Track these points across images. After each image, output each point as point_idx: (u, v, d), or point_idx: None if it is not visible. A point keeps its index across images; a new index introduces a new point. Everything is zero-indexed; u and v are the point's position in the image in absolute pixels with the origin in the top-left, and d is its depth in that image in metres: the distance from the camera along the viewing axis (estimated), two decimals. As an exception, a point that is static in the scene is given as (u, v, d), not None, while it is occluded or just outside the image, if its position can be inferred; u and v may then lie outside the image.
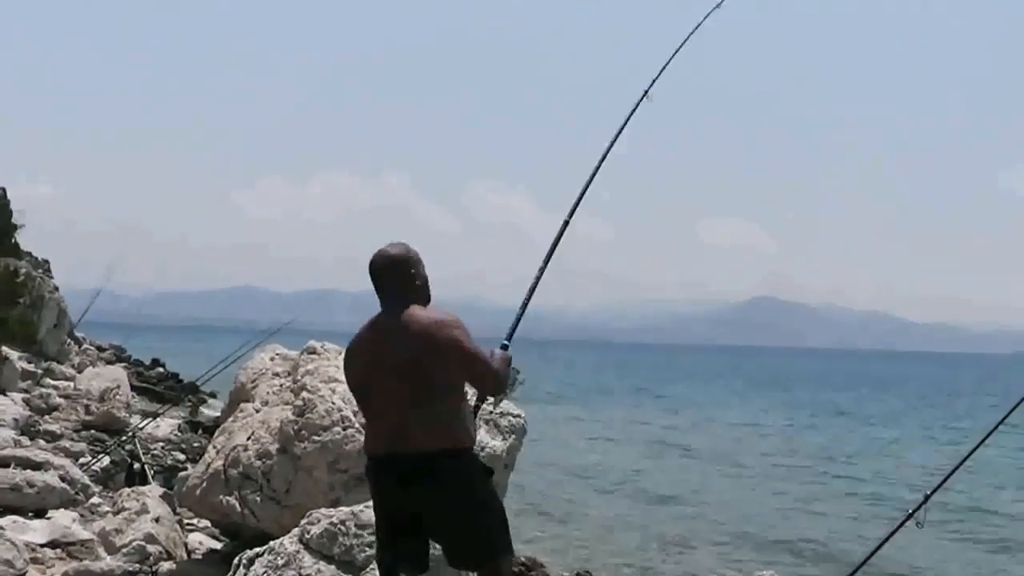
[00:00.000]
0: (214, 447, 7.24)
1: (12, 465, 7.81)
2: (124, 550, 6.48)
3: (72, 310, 21.15)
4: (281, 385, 7.34)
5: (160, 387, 21.59)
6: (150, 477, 9.62)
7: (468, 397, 3.94)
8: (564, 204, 4.87)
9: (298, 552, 5.46)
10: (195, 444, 12.15)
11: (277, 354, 7.79)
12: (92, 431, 11.78)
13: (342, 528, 5.46)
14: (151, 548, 6.54)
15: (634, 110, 5.14)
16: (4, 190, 20.84)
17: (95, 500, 8.08)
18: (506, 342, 4.12)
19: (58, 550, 6.50)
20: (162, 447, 11.69)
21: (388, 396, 3.71)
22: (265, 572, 5.45)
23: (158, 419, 12.20)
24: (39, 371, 15.67)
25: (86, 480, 8.33)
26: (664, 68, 5.32)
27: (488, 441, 6.45)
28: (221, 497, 6.87)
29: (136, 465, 9.94)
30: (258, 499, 6.71)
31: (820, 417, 33.99)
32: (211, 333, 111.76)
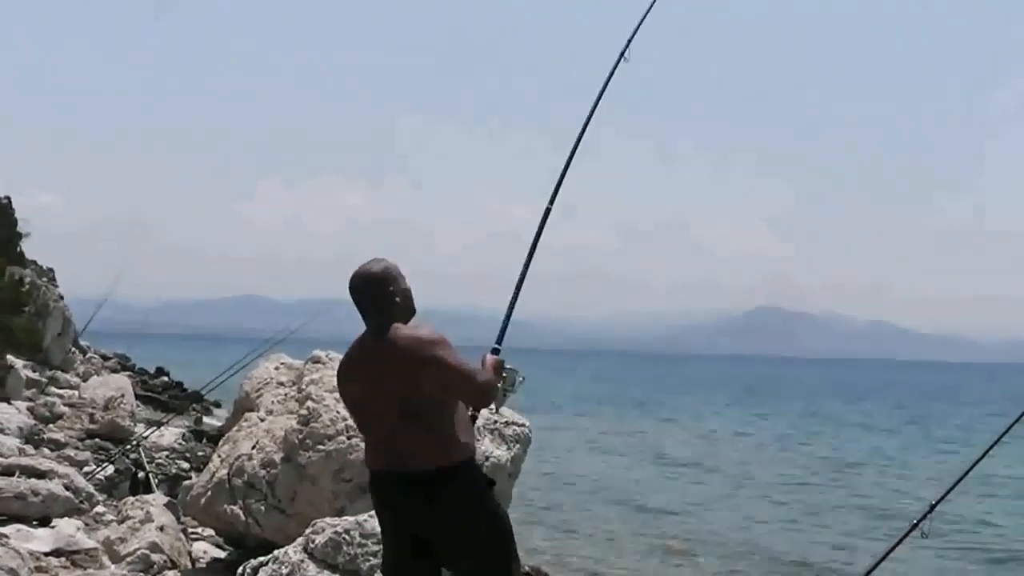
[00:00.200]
0: (218, 456, 7.26)
1: (17, 474, 7.82)
2: (128, 559, 6.49)
3: (76, 318, 21.17)
4: (286, 394, 7.36)
5: (165, 396, 21.61)
6: (154, 486, 9.63)
7: (464, 406, 3.89)
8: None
9: (302, 561, 5.47)
10: (199, 453, 12.15)
11: (282, 363, 7.81)
12: (96, 440, 11.78)
13: (347, 537, 5.47)
14: (155, 557, 6.54)
15: (612, 72, 4.93)
16: (8, 199, 20.88)
17: (99, 509, 8.08)
18: (497, 346, 4.08)
19: (62, 559, 6.50)
20: (166, 456, 11.69)
21: (380, 415, 3.70)
22: (270, 581, 5.46)
23: (162, 428, 12.20)
24: (44, 380, 15.68)
25: (90, 489, 8.34)
26: (638, 27, 5.07)
27: (493, 450, 6.46)
28: (225, 506, 6.89)
29: (140, 474, 9.95)
30: (262, 508, 6.73)
31: (821, 427, 33.92)
32: (216, 342, 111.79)
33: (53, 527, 7.09)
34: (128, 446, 10.78)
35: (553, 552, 10.91)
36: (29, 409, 12.53)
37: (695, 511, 14.99)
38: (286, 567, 5.47)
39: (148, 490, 9.24)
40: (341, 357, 3.97)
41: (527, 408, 6.45)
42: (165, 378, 28.86)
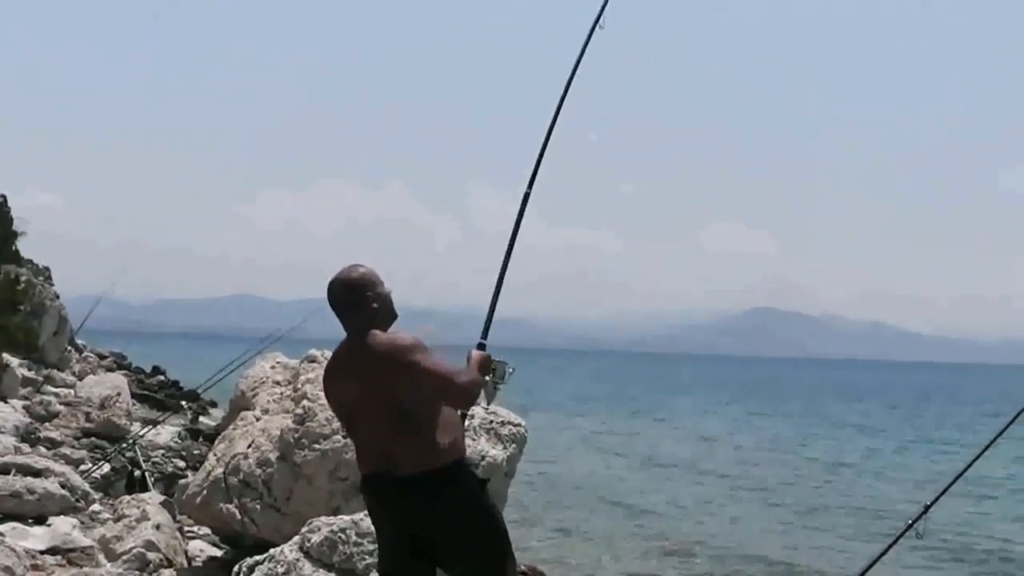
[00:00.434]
0: (214, 455, 7.26)
1: (12, 472, 7.81)
2: (124, 557, 6.49)
3: (73, 317, 21.17)
4: (282, 393, 7.36)
5: (161, 394, 21.59)
6: (150, 484, 9.63)
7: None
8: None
9: (298, 560, 5.48)
10: (195, 452, 12.15)
11: (278, 362, 7.81)
12: (92, 438, 11.77)
13: (342, 536, 5.48)
14: (151, 555, 6.54)
15: (587, 41, 4.73)
16: (4, 197, 20.87)
17: (95, 507, 8.08)
18: (482, 341, 4.03)
19: (58, 557, 6.50)
20: (162, 454, 11.69)
21: (364, 421, 3.71)
22: (265, 580, 5.46)
23: (158, 426, 12.20)
24: (40, 378, 15.67)
25: (86, 487, 8.33)
26: None
27: (488, 450, 6.46)
28: (221, 505, 6.89)
29: (136, 472, 9.95)
30: (258, 507, 6.73)
31: (817, 428, 33.94)
32: (212, 341, 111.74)
33: (49, 525, 7.09)
34: (124, 444, 10.78)
35: (549, 552, 10.92)
36: (25, 407, 12.52)
37: (691, 512, 15.00)
38: (282, 566, 5.47)
39: (144, 488, 9.24)
40: (332, 360, 3.95)
41: (524, 407, 6.45)
42: (161, 377, 28.84)
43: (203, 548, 7.39)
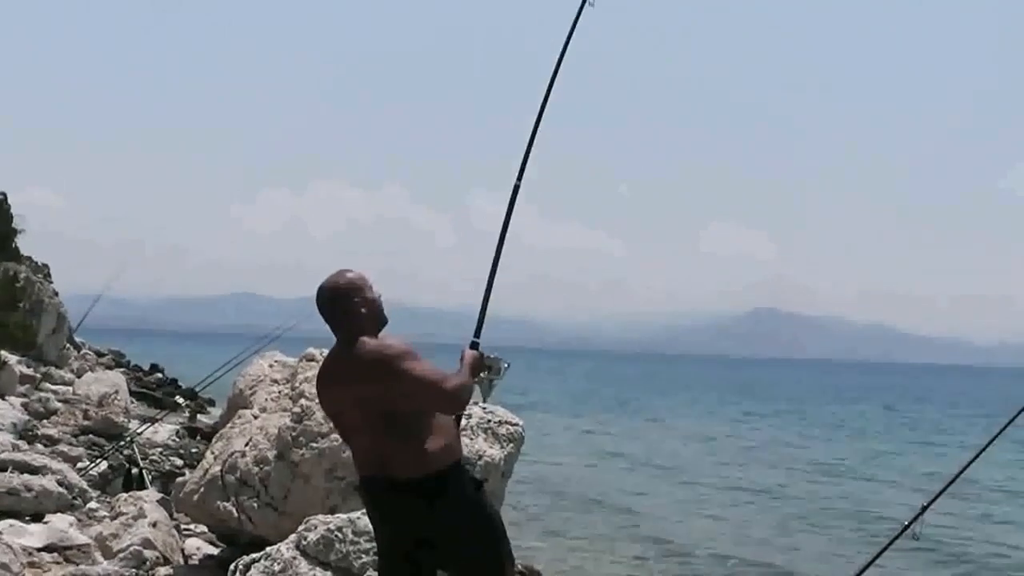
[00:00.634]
0: (212, 453, 7.26)
1: (10, 469, 7.83)
2: (121, 555, 6.49)
3: (72, 315, 21.18)
4: (279, 392, 7.36)
5: (159, 392, 21.61)
6: (148, 482, 9.64)
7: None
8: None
9: (295, 559, 5.47)
10: (193, 450, 12.16)
11: (276, 361, 7.80)
12: (90, 436, 11.79)
13: (339, 535, 5.47)
14: (148, 553, 6.55)
15: (577, 18, 4.55)
16: (4, 195, 20.89)
17: (93, 505, 8.09)
18: (475, 339, 3.98)
19: (55, 554, 6.51)
20: (160, 452, 11.70)
21: (356, 427, 3.71)
22: (261, 578, 5.46)
23: (156, 424, 12.21)
24: (38, 375, 15.69)
25: (84, 485, 8.34)
26: None
27: (486, 449, 6.46)
28: (218, 503, 6.89)
29: (134, 470, 9.95)
30: (255, 505, 6.73)
31: (813, 429, 33.93)
32: (211, 339, 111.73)
33: (46, 523, 7.10)
34: (122, 442, 10.79)
35: (546, 554, 10.91)
36: (23, 405, 12.53)
37: (687, 514, 15.00)
38: (278, 564, 5.47)
39: (141, 486, 9.24)
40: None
41: (522, 407, 6.46)
42: (159, 375, 28.87)
43: (200, 546, 7.39)
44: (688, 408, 43.10)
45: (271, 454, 6.77)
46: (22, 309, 17.42)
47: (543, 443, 22.46)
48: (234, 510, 6.79)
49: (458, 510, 3.67)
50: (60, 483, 7.82)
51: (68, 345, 21.38)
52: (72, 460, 9.62)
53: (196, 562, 7.07)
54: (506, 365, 3.93)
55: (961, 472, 5.34)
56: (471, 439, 6.35)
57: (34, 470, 7.96)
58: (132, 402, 15.59)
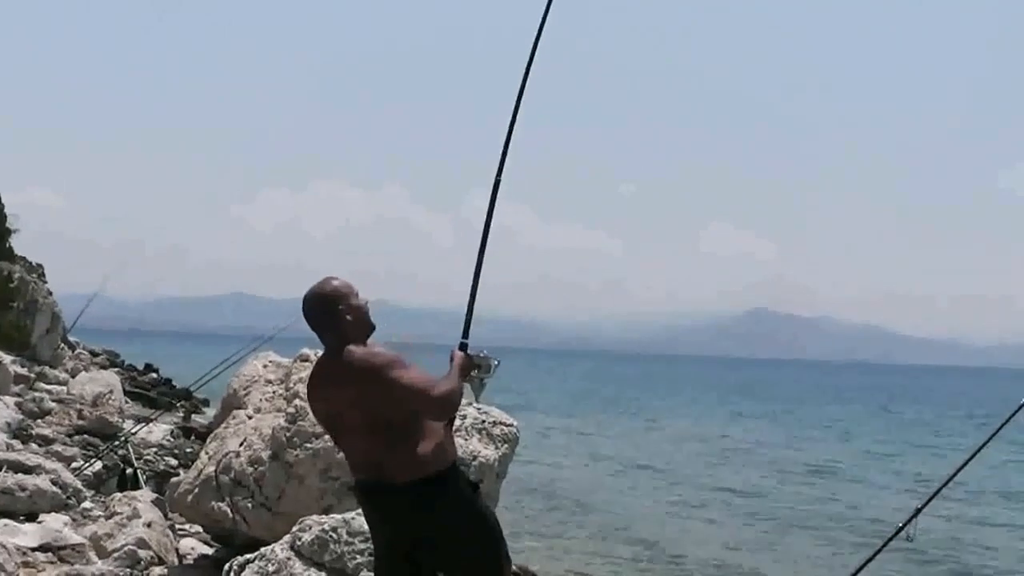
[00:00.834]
0: (206, 453, 7.25)
1: (4, 469, 7.81)
2: (115, 555, 6.48)
3: (67, 315, 21.16)
4: (274, 392, 7.35)
5: (153, 392, 21.59)
6: (142, 482, 9.63)
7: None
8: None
9: (289, 559, 5.47)
10: (188, 450, 12.15)
11: (270, 361, 7.80)
12: (85, 435, 11.76)
13: (333, 535, 5.47)
14: (142, 553, 6.54)
15: (547, 8, 4.39)
16: (-1, 195, 20.86)
17: (87, 504, 8.08)
18: (464, 340, 3.94)
19: (49, 554, 6.50)
20: (155, 452, 11.69)
21: (347, 434, 3.71)
22: (255, 578, 5.45)
23: (151, 424, 12.19)
24: (32, 375, 15.66)
25: (78, 484, 8.33)
26: None
27: (481, 450, 6.45)
28: (213, 503, 6.88)
29: (128, 470, 9.94)
30: (249, 505, 6.72)
31: (809, 431, 33.93)
32: (206, 339, 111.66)
33: (40, 522, 7.09)
34: (116, 442, 10.77)
35: (540, 555, 10.91)
36: (17, 404, 12.50)
37: (681, 517, 15.00)
38: (273, 564, 5.46)
39: (136, 486, 9.23)
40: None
41: (518, 408, 6.45)
42: (154, 375, 28.85)
43: (194, 546, 7.38)
44: (686, 408, 43.12)
45: (265, 454, 6.76)
46: (16, 309, 17.40)
47: (540, 444, 22.47)
48: (228, 510, 6.79)
49: (456, 512, 3.68)
50: (54, 483, 7.81)
51: (62, 345, 21.34)
52: (66, 460, 9.60)
53: (190, 562, 7.07)
54: (496, 363, 3.91)
55: (955, 474, 5.34)
56: (466, 440, 6.34)
57: (28, 470, 7.94)
58: (127, 402, 15.56)
